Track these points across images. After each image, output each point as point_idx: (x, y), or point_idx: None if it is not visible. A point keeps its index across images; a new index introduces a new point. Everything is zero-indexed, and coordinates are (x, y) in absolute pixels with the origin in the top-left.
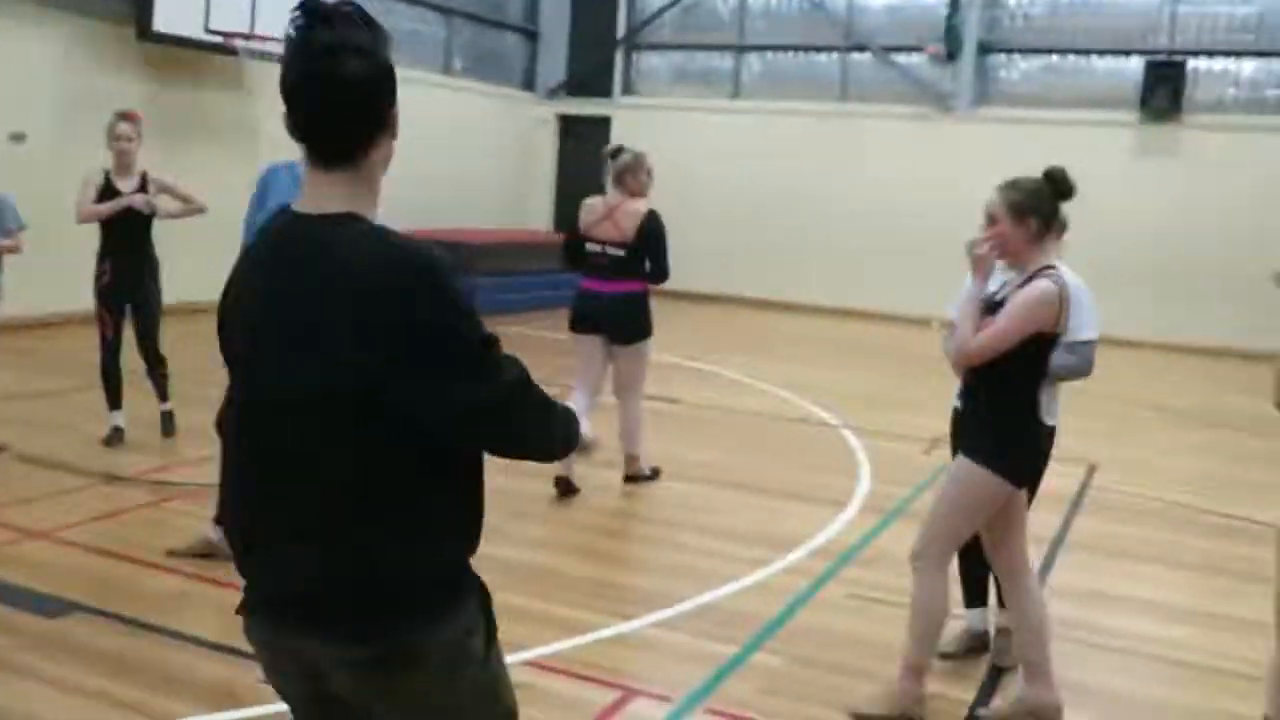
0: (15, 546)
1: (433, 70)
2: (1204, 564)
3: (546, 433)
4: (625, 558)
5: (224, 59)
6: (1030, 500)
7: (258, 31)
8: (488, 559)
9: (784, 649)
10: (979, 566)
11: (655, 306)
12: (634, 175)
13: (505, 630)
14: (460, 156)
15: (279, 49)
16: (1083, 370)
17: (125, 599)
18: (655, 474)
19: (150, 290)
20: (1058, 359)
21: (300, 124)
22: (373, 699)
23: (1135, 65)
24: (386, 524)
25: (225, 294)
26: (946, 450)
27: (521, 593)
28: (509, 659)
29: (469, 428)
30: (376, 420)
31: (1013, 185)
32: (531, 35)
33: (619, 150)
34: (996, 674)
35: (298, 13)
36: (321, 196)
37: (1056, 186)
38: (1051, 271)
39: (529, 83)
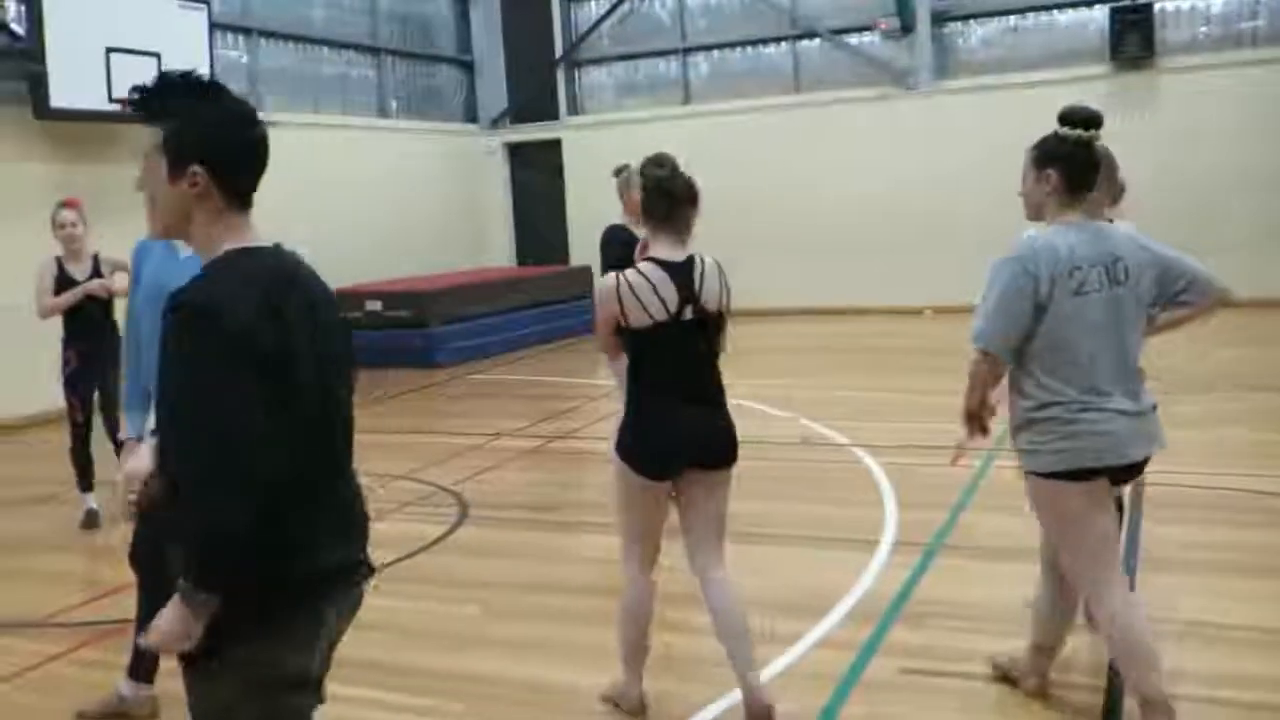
0: None
1: (368, 114)
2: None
3: None
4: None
5: (132, 127)
6: None
7: None
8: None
9: None
10: None
11: None
12: (626, 193)
13: None
14: (407, 200)
15: None
16: None
17: None
18: None
19: (116, 373)
20: None
21: (256, 179)
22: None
23: (1100, 14)
24: None
25: (261, 310)
26: (975, 458)
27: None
28: None
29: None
30: None
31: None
32: (467, 65)
33: (621, 169)
34: None
35: (218, 87)
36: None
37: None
38: (644, 264)
39: (471, 115)
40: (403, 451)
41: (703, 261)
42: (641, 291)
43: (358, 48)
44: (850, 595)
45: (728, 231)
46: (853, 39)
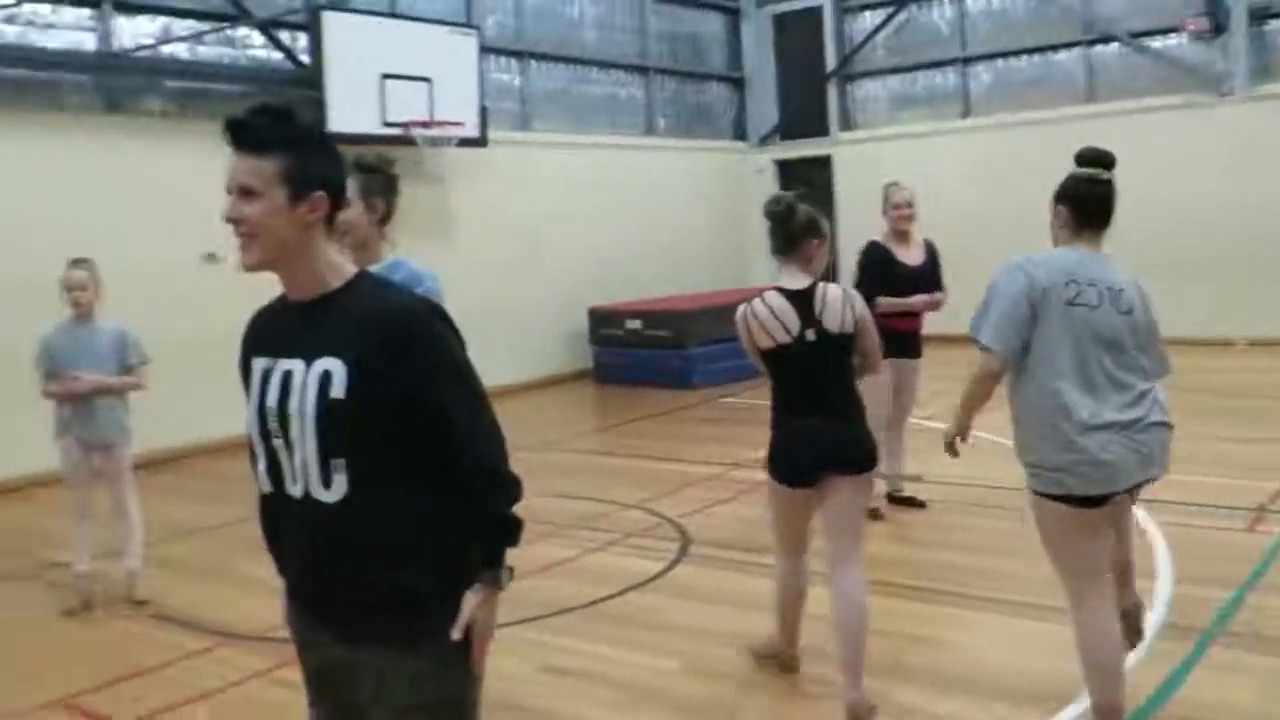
0: None
1: (635, 133)
2: None
3: None
4: None
5: (405, 150)
6: None
7: (436, 118)
8: None
9: None
10: None
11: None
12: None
13: None
14: (672, 218)
15: (459, 133)
16: None
17: None
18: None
19: None
20: None
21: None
22: None
23: None
24: None
25: None
26: (1270, 525)
27: None
28: None
29: None
30: None
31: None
32: (737, 82)
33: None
34: None
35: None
36: None
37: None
38: (769, 293)
39: (740, 132)
40: (640, 477)
41: (825, 289)
42: (764, 318)
43: (627, 67)
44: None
45: (1004, 249)
46: (1155, 42)
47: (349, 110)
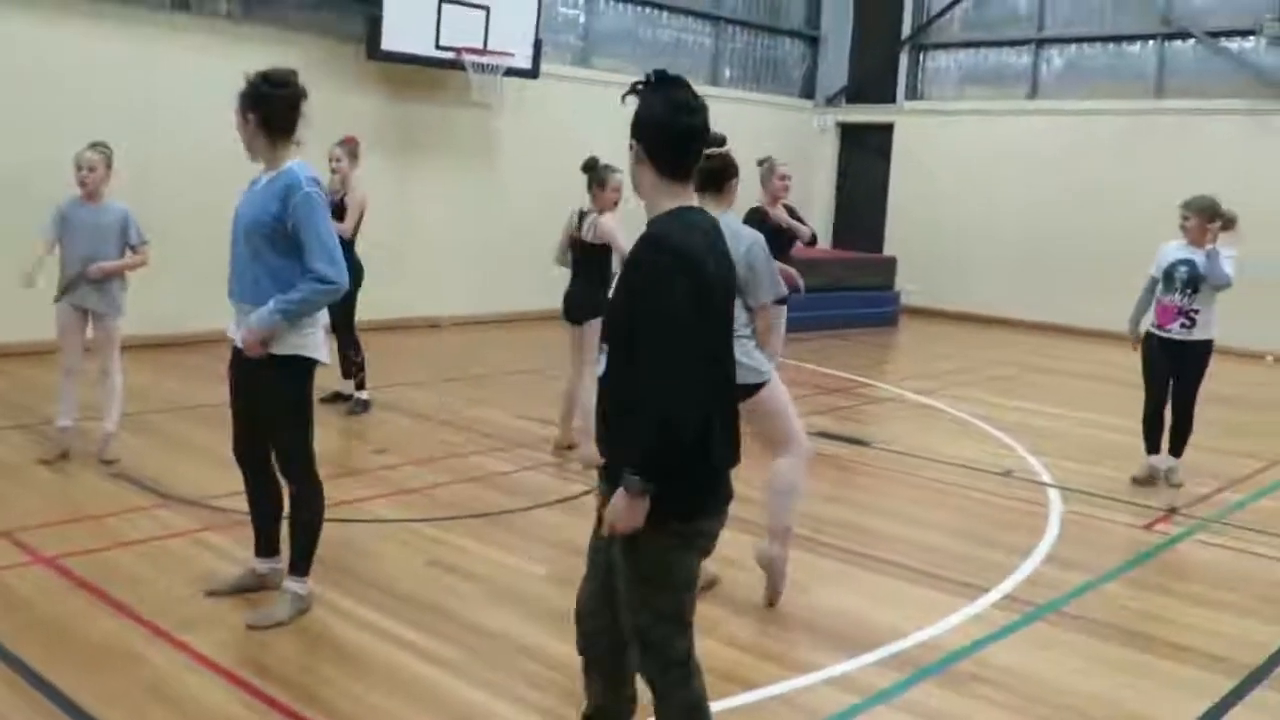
0: (12, 571)
1: (697, 81)
2: None
3: None
4: None
5: (454, 74)
6: None
7: (490, 48)
8: None
9: None
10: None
11: (922, 331)
12: (768, 180)
13: None
14: None
15: (508, 64)
16: None
17: (47, 649)
18: None
19: None
20: None
21: (683, 158)
22: None
23: None
24: None
25: (704, 260)
26: (1176, 526)
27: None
28: None
29: None
30: None
31: None
32: (812, 40)
33: (763, 160)
34: None
35: (672, 80)
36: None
37: None
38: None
39: (808, 91)
40: None
41: (594, 216)
42: (573, 221)
43: (699, 14)
44: (904, 639)
45: (1067, 242)
46: (1232, 43)
47: (404, 31)
